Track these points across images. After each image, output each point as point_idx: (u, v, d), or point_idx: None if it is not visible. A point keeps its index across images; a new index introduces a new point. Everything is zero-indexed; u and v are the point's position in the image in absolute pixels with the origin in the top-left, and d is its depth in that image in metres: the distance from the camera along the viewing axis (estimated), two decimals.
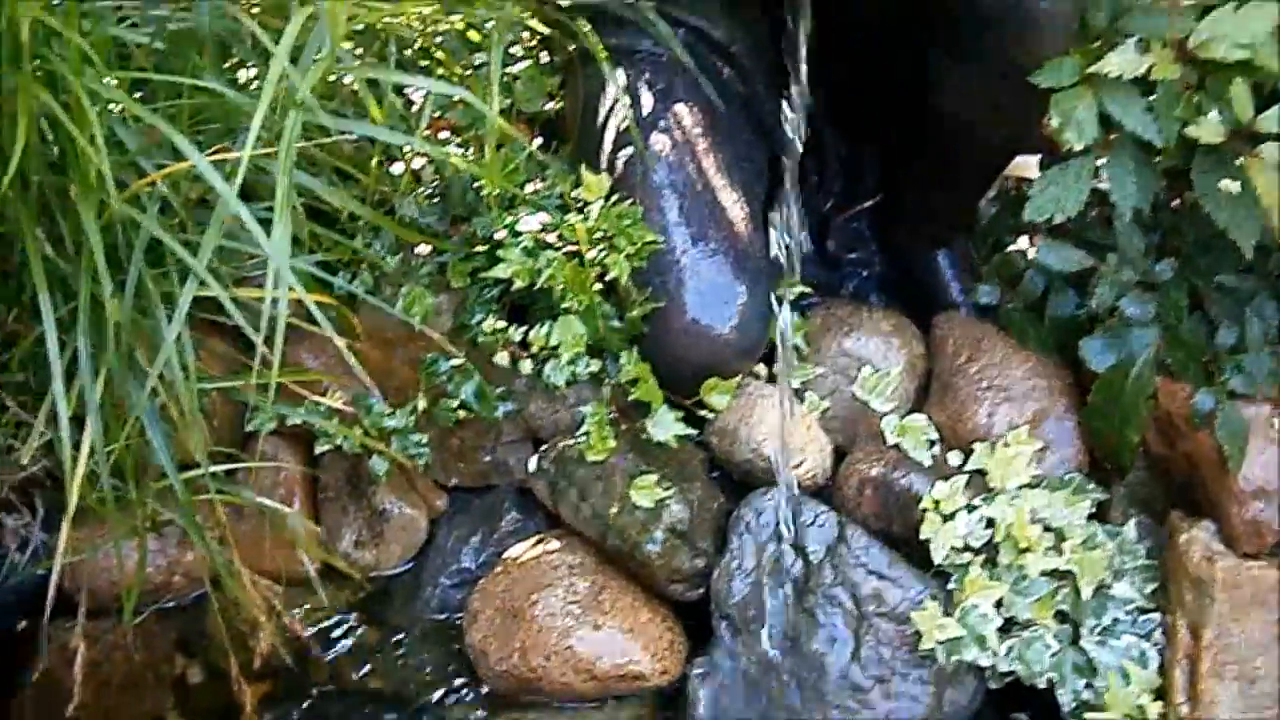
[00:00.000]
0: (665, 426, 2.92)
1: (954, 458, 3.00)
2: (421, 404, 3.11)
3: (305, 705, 3.13)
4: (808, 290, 3.15)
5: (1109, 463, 2.96)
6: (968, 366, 3.06)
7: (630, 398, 2.92)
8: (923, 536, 2.83)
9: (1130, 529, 2.85)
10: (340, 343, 2.65)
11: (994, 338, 3.16)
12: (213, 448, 2.82)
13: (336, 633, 3.29)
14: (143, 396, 2.41)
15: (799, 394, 3.12)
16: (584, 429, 2.94)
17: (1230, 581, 2.70)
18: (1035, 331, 3.08)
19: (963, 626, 2.77)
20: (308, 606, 3.26)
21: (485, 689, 3.08)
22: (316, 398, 3.04)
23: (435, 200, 3.16)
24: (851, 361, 3.14)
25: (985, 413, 3.00)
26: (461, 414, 3.13)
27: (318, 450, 3.13)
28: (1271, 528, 2.73)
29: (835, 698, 2.83)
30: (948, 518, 2.85)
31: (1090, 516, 2.91)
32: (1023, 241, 3.26)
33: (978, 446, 2.96)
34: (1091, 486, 2.92)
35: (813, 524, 2.91)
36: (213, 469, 2.72)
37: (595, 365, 3.00)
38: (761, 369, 3.15)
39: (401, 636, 3.26)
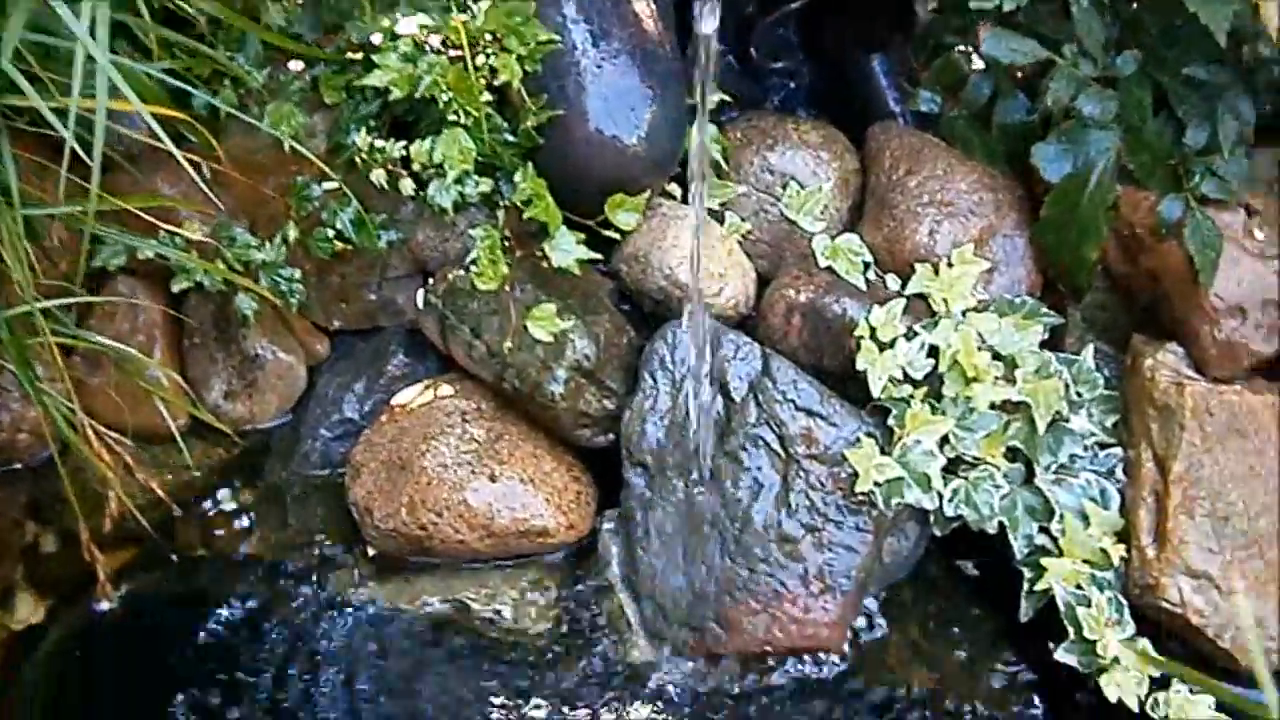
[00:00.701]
0: (566, 250, 2.56)
1: (892, 282, 2.67)
2: (293, 234, 2.73)
3: (170, 574, 2.81)
4: (727, 99, 2.73)
5: (1064, 284, 2.64)
6: (906, 180, 2.72)
7: (526, 216, 2.50)
8: (858, 367, 2.50)
9: (1087, 356, 2.52)
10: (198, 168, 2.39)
11: (935, 149, 2.84)
12: (51, 282, 2.42)
13: (206, 494, 2.85)
14: None
15: (717, 215, 2.76)
16: (473, 255, 2.52)
17: (1201, 408, 2.39)
18: (981, 140, 2.75)
19: (903, 466, 2.44)
20: (174, 466, 2.79)
21: (371, 551, 2.71)
22: (172, 228, 2.60)
23: (306, 6, 2.72)
24: (776, 179, 2.80)
25: (926, 231, 2.66)
26: (339, 245, 2.76)
27: (175, 288, 2.76)
28: (1247, 349, 2.42)
29: (762, 550, 2.50)
30: (885, 346, 2.51)
31: (1043, 344, 2.57)
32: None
33: (918, 268, 2.62)
34: (1044, 311, 2.60)
35: (734, 357, 2.56)
36: (46, 304, 2.31)
37: (486, 185, 2.63)
38: (675, 188, 2.76)
39: (278, 496, 2.89)
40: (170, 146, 2.21)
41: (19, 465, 2.90)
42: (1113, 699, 2.32)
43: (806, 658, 2.58)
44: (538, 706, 2.51)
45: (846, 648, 2.57)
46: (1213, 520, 2.38)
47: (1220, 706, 2.31)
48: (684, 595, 2.54)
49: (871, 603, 2.64)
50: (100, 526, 2.62)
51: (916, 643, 2.59)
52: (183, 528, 2.87)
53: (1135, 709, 2.32)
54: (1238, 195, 2.48)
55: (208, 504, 2.93)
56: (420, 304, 2.75)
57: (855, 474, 2.47)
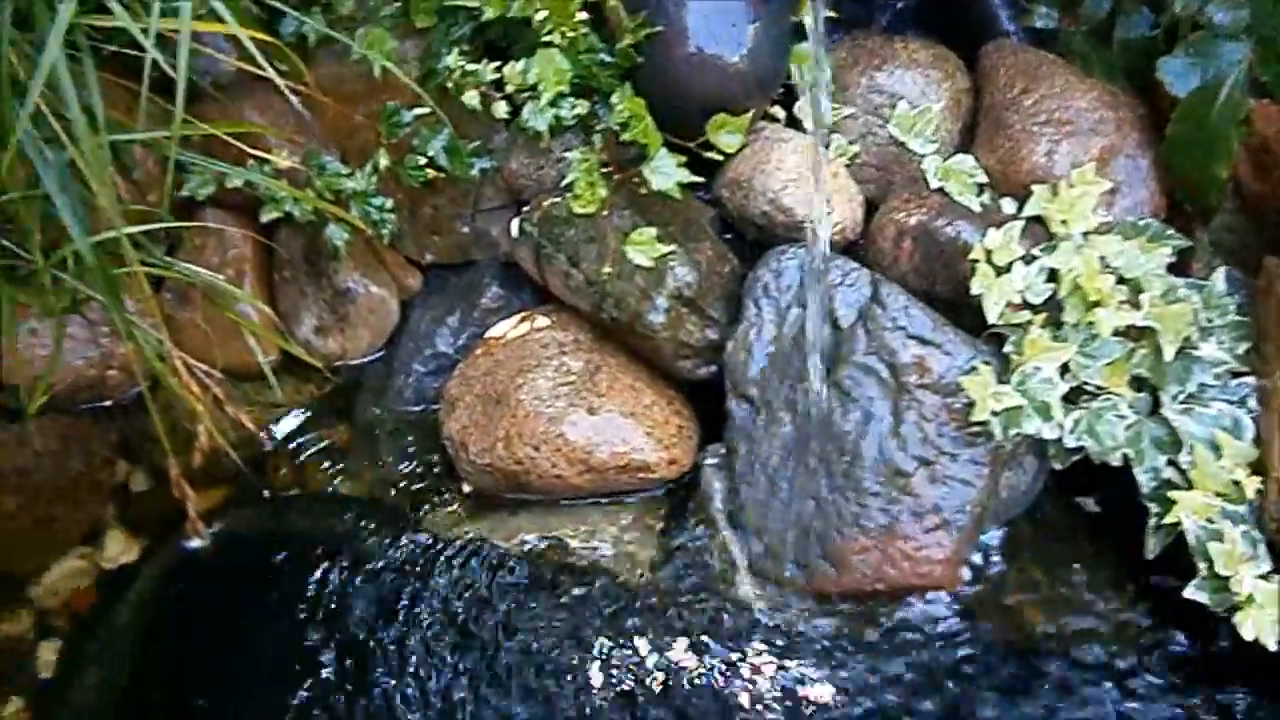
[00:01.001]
0: (666, 173, 2.44)
1: (1007, 205, 2.52)
2: (384, 162, 2.64)
3: (262, 512, 2.73)
4: (832, 15, 2.58)
5: (1191, 205, 2.47)
6: (1022, 100, 2.58)
7: (624, 139, 2.38)
8: (973, 292, 2.34)
9: (1218, 280, 2.37)
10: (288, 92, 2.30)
11: (1052, 66, 2.70)
12: (140, 208, 2.36)
13: (298, 432, 2.79)
14: (23, 119, 1.91)
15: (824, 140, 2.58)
16: (570, 178, 2.41)
17: None
18: (1100, 56, 2.62)
19: (1022, 394, 2.30)
20: (265, 403, 2.71)
21: (467, 488, 2.62)
22: (262, 154, 2.51)
23: None
24: (885, 99, 2.67)
25: (1044, 151, 2.52)
26: (431, 173, 2.67)
27: (265, 218, 2.68)
28: None
29: (872, 484, 2.37)
30: (1002, 270, 2.37)
31: (1170, 268, 2.41)
32: None
33: (1036, 189, 2.47)
34: (1171, 233, 2.44)
35: (842, 283, 2.43)
36: (133, 229, 2.23)
37: (582, 107, 2.53)
38: (778, 110, 2.61)
39: (371, 433, 2.80)
40: (263, 64, 2.14)
41: (109, 402, 2.85)
42: (1248, 638, 2.18)
43: (919, 597, 2.41)
44: (639, 647, 2.41)
45: (961, 586, 2.41)
46: None
47: None
48: (791, 531, 2.42)
49: (987, 540, 2.47)
50: (190, 463, 2.52)
51: (1035, 582, 2.45)
52: (276, 465, 2.77)
53: (1273, 648, 2.13)
54: None
55: (300, 442, 2.77)
56: (515, 233, 2.64)
57: (970, 404, 2.33)
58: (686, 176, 2.47)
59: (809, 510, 2.42)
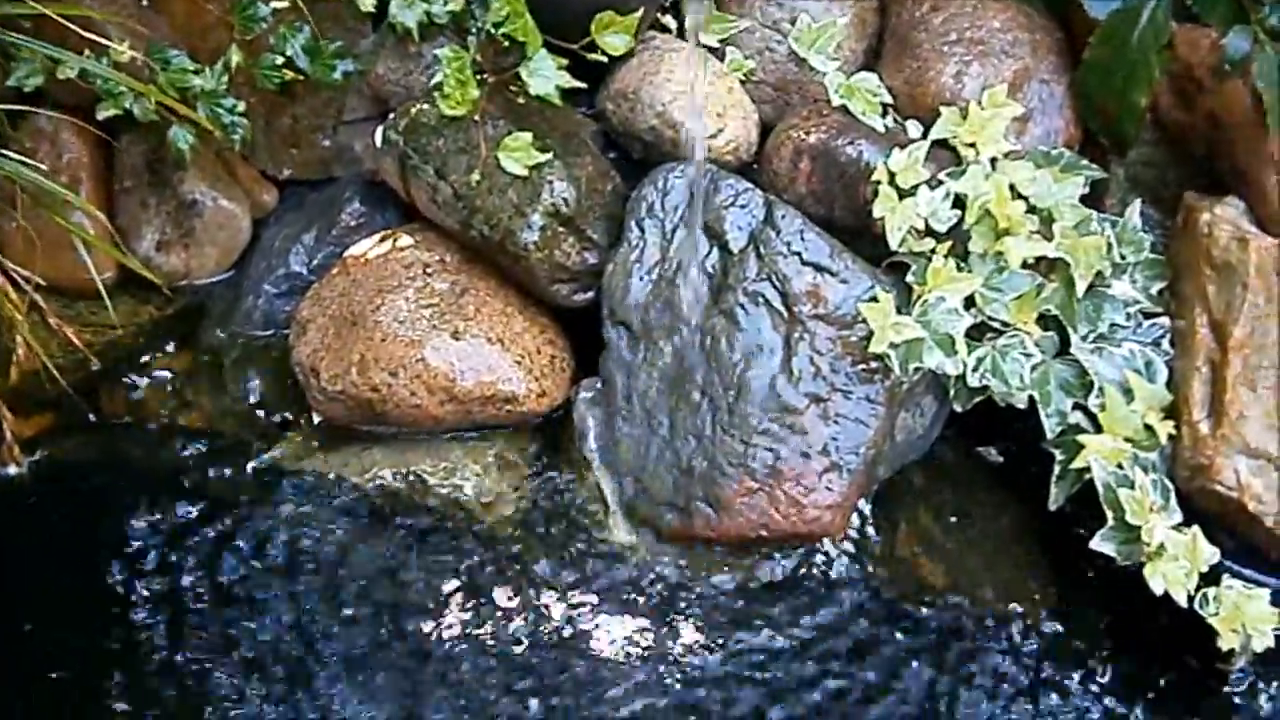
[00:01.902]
0: (545, 75, 2.23)
1: (913, 128, 2.32)
2: (236, 58, 2.41)
3: (90, 441, 2.44)
4: None
5: (1107, 136, 2.30)
6: (931, 17, 2.41)
7: (500, 33, 2.15)
8: (875, 215, 2.14)
9: (1133, 214, 2.21)
10: None
11: None
12: None
13: (133, 355, 2.50)
14: None
15: (717, 52, 2.40)
16: (439, 78, 2.16)
17: (1268, 265, 2.09)
18: None
19: (924, 325, 2.11)
20: (98, 324, 2.44)
21: (317, 419, 2.37)
22: (102, 40, 2.23)
23: None
24: (785, 14, 2.50)
25: (953, 71, 2.34)
26: (289, 74, 2.45)
27: (101, 114, 2.43)
28: None
29: (759, 421, 2.16)
30: (906, 194, 2.19)
31: (1082, 202, 2.19)
32: None
33: (944, 111, 2.26)
34: (1085, 163, 2.23)
35: (733, 204, 2.22)
36: None
37: (456, 3, 2.32)
38: (670, 20, 2.38)
39: (215, 359, 2.54)
40: None
41: None
42: (1158, 591, 2.00)
43: (806, 545, 2.20)
44: (500, 595, 2.18)
45: (851, 535, 2.21)
46: (1277, 393, 2.01)
47: (1276, 601, 1.95)
48: (669, 472, 2.21)
49: (880, 487, 2.25)
50: (6, 383, 2.22)
51: (930, 533, 2.27)
52: (107, 392, 2.52)
53: (1183, 603, 1.94)
54: None
55: (136, 366, 2.50)
56: (379, 142, 2.39)
57: (868, 336, 2.13)
58: (567, 81, 2.25)
59: (690, 449, 2.21)
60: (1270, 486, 2.05)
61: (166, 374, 2.58)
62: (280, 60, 2.42)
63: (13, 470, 2.37)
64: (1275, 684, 2.05)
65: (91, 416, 2.48)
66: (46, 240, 2.40)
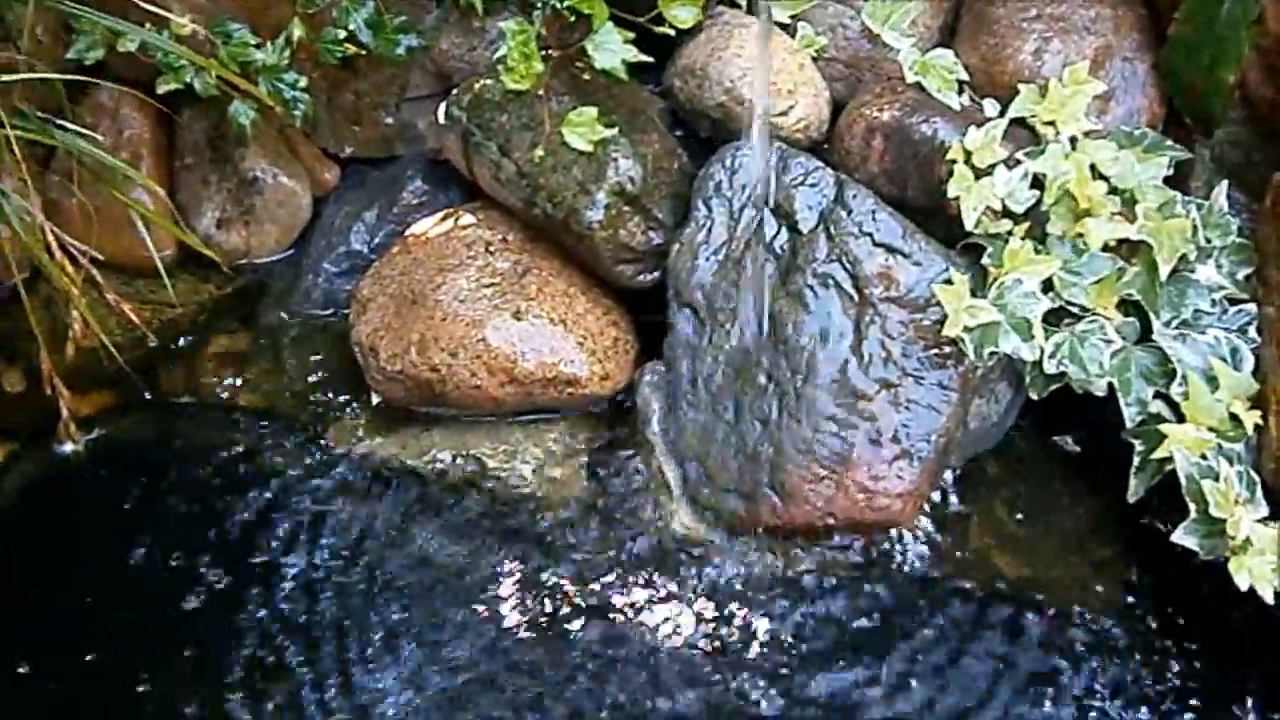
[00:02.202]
0: (611, 49, 2.16)
1: (990, 107, 2.22)
2: (298, 32, 2.35)
3: (148, 420, 2.40)
4: None
5: (1192, 116, 2.21)
6: None
7: (566, 5, 2.08)
8: (949, 195, 2.05)
9: (1220, 196, 2.10)
10: None
11: None
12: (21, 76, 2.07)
13: (194, 334, 2.44)
14: None
15: (788, 28, 2.31)
16: (503, 51, 2.10)
17: None
18: None
19: (999, 309, 2.02)
20: (158, 301, 2.40)
21: (376, 399, 2.30)
22: (162, 12, 2.20)
23: None
24: None
25: (1031, 49, 2.25)
26: (351, 49, 2.37)
27: (161, 89, 2.39)
28: None
29: (827, 406, 2.08)
30: (982, 173, 2.09)
31: (1165, 184, 2.08)
32: None
33: (1022, 89, 2.16)
34: (1169, 144, 2.13)
35: (803, 183, 2.14)
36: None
37: None
38: None
39: (275, 338, 2.50)
40: None
41: None
42: (1243, 587, 1.91)
43: (874, 534, 2.12)
44: (558, 583, 2.11)
45: (921, 525, 2.12)
46: None
47: None
48: (735, 458, 2.14)
49: (952, 476, 2.18)
50: (65, 360, 2.19)
51: (1003, 524, 2.19)
52: (165, 371, 2.48)
53: (1270, 599, 1.85)
54: None
55: (195, 345, 2.46)
56: (442, 118, 2.33)
57: (941, 319, 2.04)
58: (634, 55, 2.19)
59: (756, 434, 2.13)
60: None
61: (225, 353, 2.50)
62: (343, 35, 2.38)
63: (69, 448, 2.35)
64: None
65: (149, 395, 2.45)
66: (105, 216, 2.37)
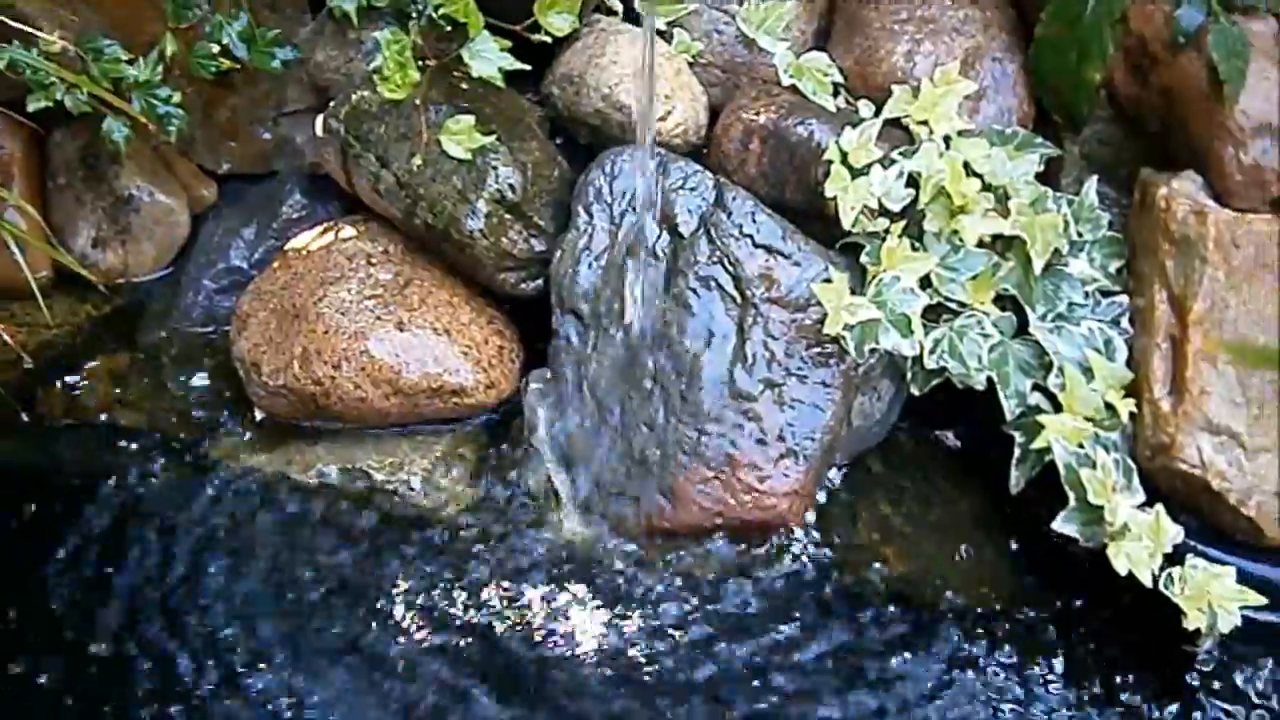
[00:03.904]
0: (488, 58, 2.17)
1: (864, 108, 2.25)
2: (170, 47, 2.33)
3: (24, 443, 2.34)
4: None
5: (1060, 113, 2.27)
6: None
7: (441, 13, 2.10)
8: (827, 194, 2.09)
9: (1090, 191, 2.16)
10: None
11: None
12: None
13: (71, 356, 2.41)
14: None
15: (665, 34, 2.32)
16: (378, 62, 2.10)
17: (1226, 239, 2.03)
18: None
19: (879, 306, 2.04)
20: (34, 324, 2.36)
21: (259, 415, 2.28)
22: (31, 30, 2.16)
23: None
24: None
25: (904, 50, 2.30)
26: (225, 63, 2.34)
27: (32, 106, 2.34)
28: (1277, 173, 2.03)
29: (713, 408, 2.10)
30: (859, 173, 2.12)
31: (1037, 180, 2.12)
32: None
33: (896, 90, 2.20)
34: (1039, 141, 2.17)
35: (683, 187, 2.16)
36: None
37: None
38: (615, 2, 2.33)
39: (155, 357, 2.46)
40: None
41: None
42: (1122, 572, 1.95)
43: (763, 534, 2.13)
44: (449, 593, 2.09)
45: (808, 523, 2.14)
46: (1238, 368, 2.04)
47: (1241, 580, 1.90)
48: (622, 463, 2.15)
49: (838, 474, 2.19)
50: None
51: (888, 519, 2.22)
52: (43, 392, 2.45)
53: (1148, 583, 1.89)
54: (1269, 1, 2.06)
55: (73, 366, 2.43)
56: (319, 131, 2.31)
57: (822, 318, 2.05)
58: (511, 63, 2.19)
59: (642, 438, 2.14)
60: (1233, 463, 2.01)
61: (105, 372, 2.47)
62: (217, 49, 2.36)
63: None
64: (1242, 663, 1.99)
65: (25, 417, 2.37)
66: None
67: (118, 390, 2.47)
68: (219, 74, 2.38)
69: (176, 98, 2.38)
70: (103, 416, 2.43)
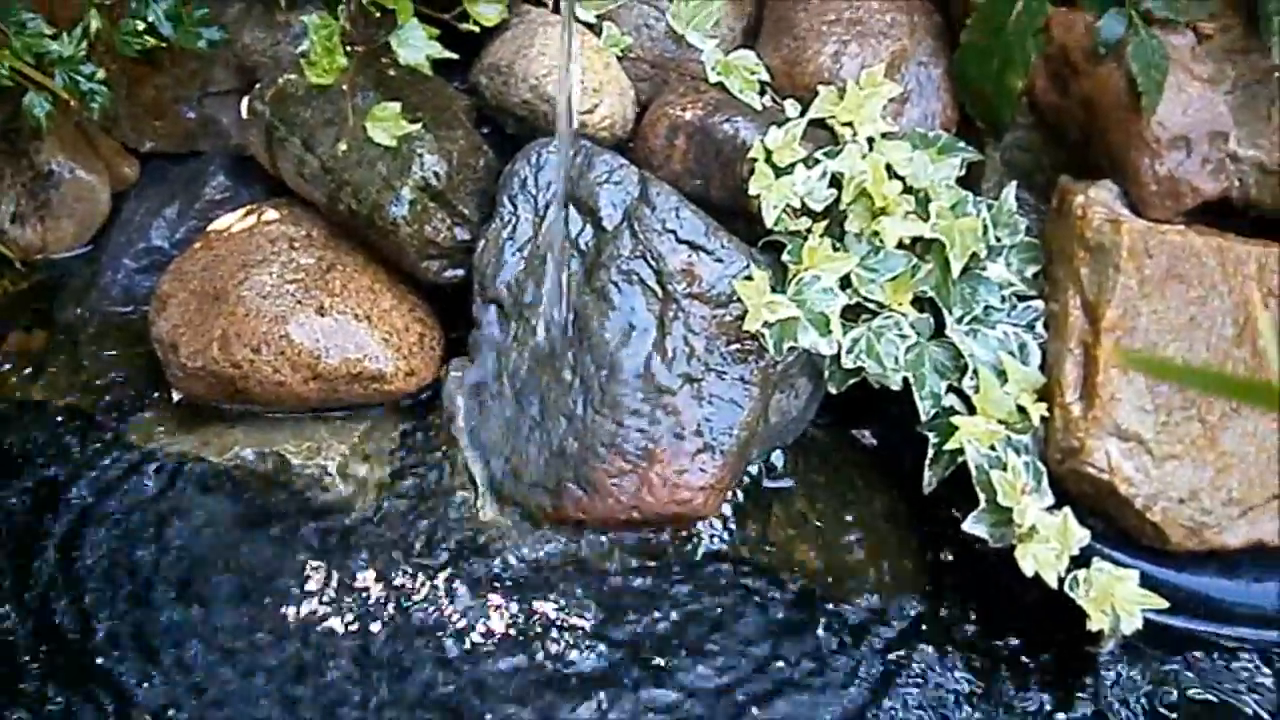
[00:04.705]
0: (416, 45, 2.15)
1: (790, 107, 2.27)
2: (95, 24, 2.30)
3: None
4: None
5: (983, 119, 2.29)
6: None
7: (369, 1, 2.06)
8: (751, 193, 2.10)
9: (1009, 196, 2.19)
10: None
11: None
12: None
13: None
14: None
15: (594, 27, 2.33)
16: (305, 44, 2.08)
17: (1140, 248, 2.05)
18: None
19: (799, 305, 2.06)
20: None
21: (177, 396, 2.26)
22: None
23: None
24: None
25: (831, 51, 2.31)
26: (150, 41, 2.31)
27: None
28: (1190, 186, 2.11)
29: (631, 401, 2.11)
30: (783, 172, 2.14)
31: (958, 184, 2.15)
32: None
33: (821, 90, 2.22)
34: (961, 145, 2.20)
35: (608, 180, 2.17)
36: None
37: None
38: None
39: (72, 335, 2.44)
40: None
41: None
42: (1029, 573, 1.97)
43: (678, 527, 2.15)
44: (363, 578, 2.09)
45: (724, 518, 2.16)
46: (1148, 376, 2.00)
47: (1145, 584, 1.93)
48: (540, 453, 2.15)
49: (754, 470, 2.22)
50: None
51: (803, 515, 2.24)
52: None
53: (1054, 584, 1.93)
54: (1186, 13, 2.09)
55: None
56: (245, 113, 2.30)
57: (742, 315, 2.06)
58: (439, 51, 2.19)
59: (561, 429, 2.15)
60: (1140, 469, 2.05)
61: (20, 350, 2.44)
62: (142, 27, 2.33)
63: None
64: (1143, 665, 2.03)
65: None
66: None
67: (34, 368, 2.42)
68: (144, 52, 2.35)
69: (100, 74, 2.35)
70: (17, 394, 2.38)
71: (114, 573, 2.13)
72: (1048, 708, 2.01)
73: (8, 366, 2.45)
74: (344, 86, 2.20)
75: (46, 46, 2.31)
